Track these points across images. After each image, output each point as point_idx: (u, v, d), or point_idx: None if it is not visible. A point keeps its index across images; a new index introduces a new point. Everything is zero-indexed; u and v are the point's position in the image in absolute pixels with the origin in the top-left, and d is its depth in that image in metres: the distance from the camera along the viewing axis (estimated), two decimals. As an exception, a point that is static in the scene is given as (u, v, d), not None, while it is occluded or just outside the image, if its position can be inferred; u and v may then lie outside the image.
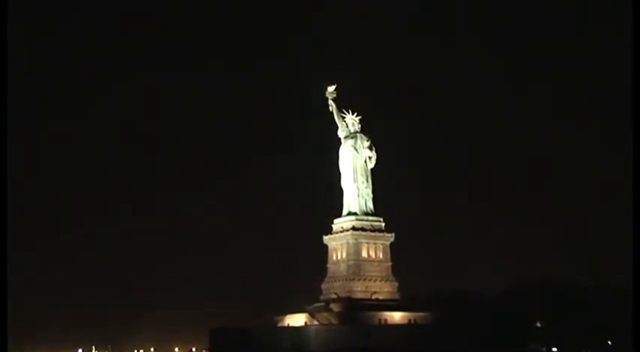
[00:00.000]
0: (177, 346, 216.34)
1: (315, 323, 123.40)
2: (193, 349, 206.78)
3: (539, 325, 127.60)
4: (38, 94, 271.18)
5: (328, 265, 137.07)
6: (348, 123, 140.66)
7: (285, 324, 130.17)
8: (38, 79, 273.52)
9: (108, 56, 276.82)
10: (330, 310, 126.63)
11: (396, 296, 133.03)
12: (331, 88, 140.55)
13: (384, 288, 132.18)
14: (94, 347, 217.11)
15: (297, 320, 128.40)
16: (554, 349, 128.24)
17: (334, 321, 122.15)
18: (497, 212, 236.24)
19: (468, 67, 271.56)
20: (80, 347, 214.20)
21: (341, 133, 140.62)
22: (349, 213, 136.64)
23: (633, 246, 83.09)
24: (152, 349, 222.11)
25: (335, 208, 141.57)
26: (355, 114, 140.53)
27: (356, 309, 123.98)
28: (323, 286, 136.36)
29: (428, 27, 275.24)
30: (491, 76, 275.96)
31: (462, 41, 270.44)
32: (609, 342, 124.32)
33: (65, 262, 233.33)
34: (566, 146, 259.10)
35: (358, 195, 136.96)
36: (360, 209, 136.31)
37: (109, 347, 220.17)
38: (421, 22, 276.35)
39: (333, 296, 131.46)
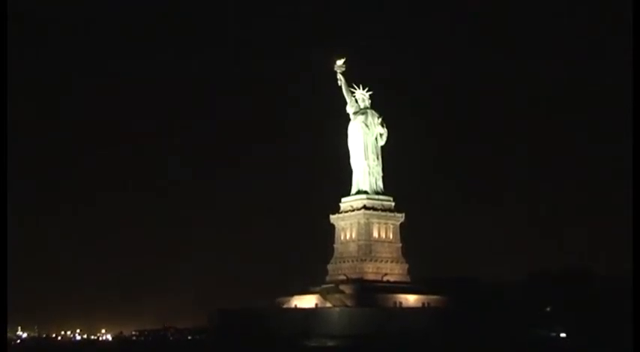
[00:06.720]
0: (103, 327, 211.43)
1: (328, 305, 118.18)
2: (122, 331, 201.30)
3: (548, 309, 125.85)
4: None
5: (335, 245, 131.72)
6: (358, 98, 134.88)
7: (292, 306, 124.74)
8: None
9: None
10: (342, 292, 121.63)
11: (407, 279, 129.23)
12: (340, 62, 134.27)
13: (394, 270, 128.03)
14: (19, 327, 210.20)
15: (306, 301, 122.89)
16: (563, 334, 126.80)
17: (348, 303, 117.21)
18: (513, 198, 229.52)
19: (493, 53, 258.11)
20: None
21: (350, 109, 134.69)
22: (359, 192, 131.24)
23: (633, 245, 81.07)
24: (78, 330, 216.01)
25: (334, 186, 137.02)
26: (366, 89, 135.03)
27: (369, 291, 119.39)
28: (329, 267, 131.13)
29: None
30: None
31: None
32: None
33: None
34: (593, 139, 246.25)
35: (369, 173, 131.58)
36: (370, 187, 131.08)
37: (36, 327, 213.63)
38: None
39: (342, 277, 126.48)
